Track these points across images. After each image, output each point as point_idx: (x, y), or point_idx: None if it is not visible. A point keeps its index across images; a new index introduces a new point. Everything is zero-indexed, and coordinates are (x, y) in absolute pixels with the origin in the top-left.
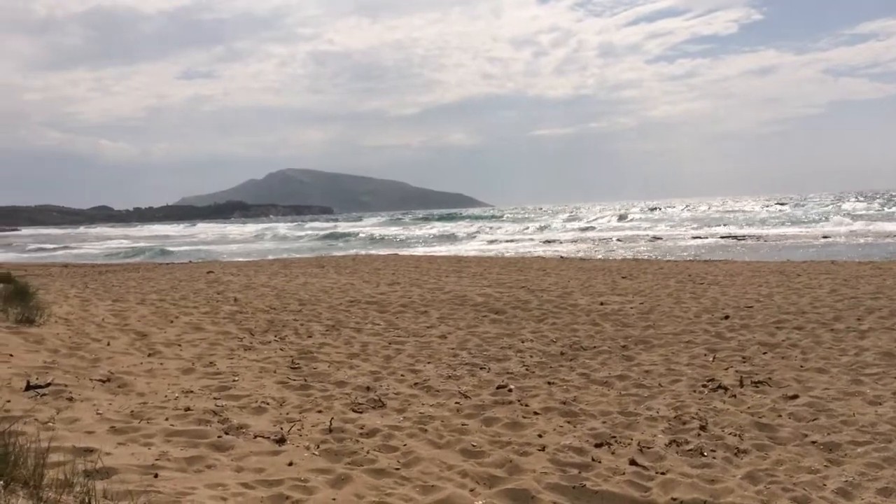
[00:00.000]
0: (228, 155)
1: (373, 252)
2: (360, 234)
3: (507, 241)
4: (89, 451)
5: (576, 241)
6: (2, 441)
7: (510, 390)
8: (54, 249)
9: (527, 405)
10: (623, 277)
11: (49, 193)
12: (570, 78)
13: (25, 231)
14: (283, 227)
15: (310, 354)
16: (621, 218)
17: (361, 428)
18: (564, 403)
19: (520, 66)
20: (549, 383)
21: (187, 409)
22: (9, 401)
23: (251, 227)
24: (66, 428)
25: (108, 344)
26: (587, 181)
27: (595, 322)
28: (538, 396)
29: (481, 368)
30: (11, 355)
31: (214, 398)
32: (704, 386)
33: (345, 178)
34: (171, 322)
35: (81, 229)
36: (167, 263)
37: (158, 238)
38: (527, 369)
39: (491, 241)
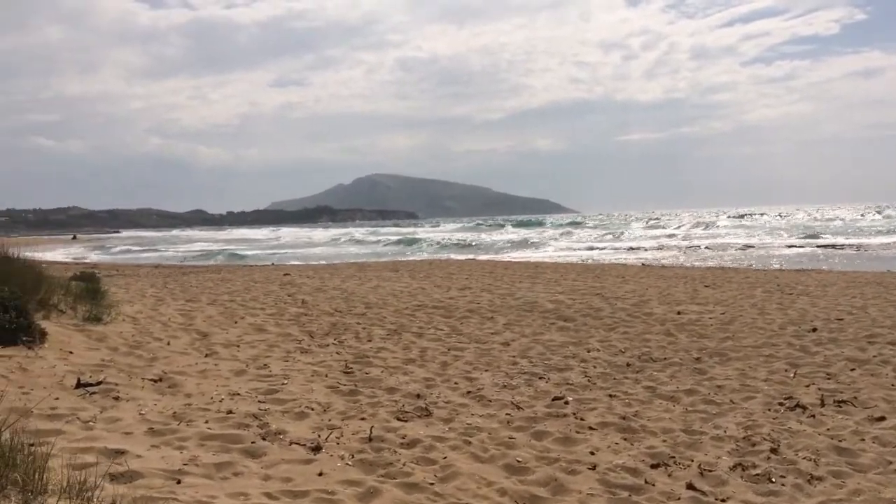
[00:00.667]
0: (317, 160)
1: (452, 256)
2: (439, 239)
3: (587, 248)
4: (120, 453)
5: (661, 248)
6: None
7: (567, 402)
8: (140, 251)
9: (582, 419)
10: (706, 286)
11: (150, 197)
12: (661, 81)
13: (125, 233)
14: (360, 232)
15: (365, 359)
16: (710, 225)
17: (403, 438)
18: (624, 418)
19: (608, 69)
20: (610, 396)
21: (229, 411)
22: (57, 398)
23: (332, 232)
24: (105, 428)
25: (168, 343)
26: (678, 187)
27: (669, 332)
28: (596, 410)
29: (540, 378)
30: (71, 352)
31: (259, 401)
32: (781, 404)
33: (430, 182)
34: (236, 323)
35: (174, 232)
36: (248, 266)
37: (241, 241)
38: (588, 380)
39: (571, 247)
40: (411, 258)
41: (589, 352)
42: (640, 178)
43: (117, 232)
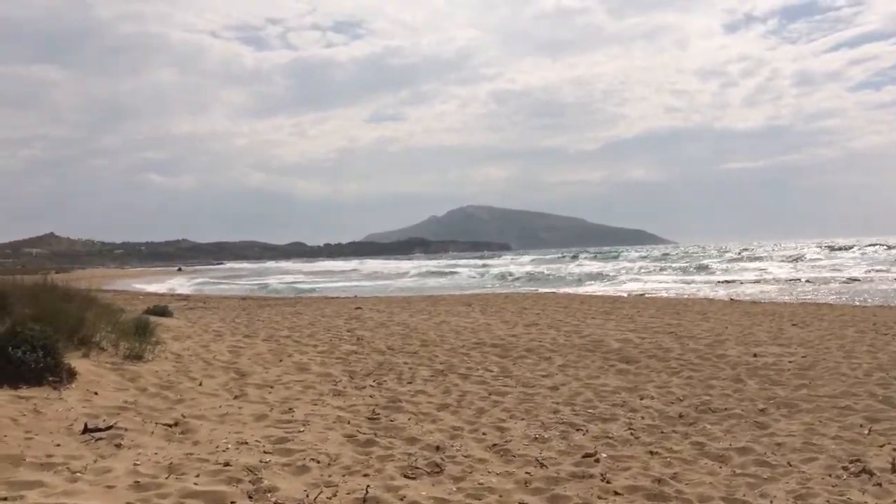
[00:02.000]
0: (412, 193)
1: (536, 289)
2: (526, 271)
3: (677, 281)
4: None
5: (758, 282)
6: None
7: (597, 460)
8: (216, 283)
9: (609, 482)
10: (793, 324)
11: (253, 230)
12: (763, 109)
13: (228, 265)
14: (446, 264)
15: (397, 403)
16: (811, 257)
17: (401, 500)
18: (658, 482)
19: (706, 97)
20: (650, 453)
21: (226, 464)
22: (59, 444)
23: (419, 263)
24: (90, 480)
25: (201, 384)
26: (780, 217)
27: (738, 378)
28: (629, 470)
29: (578, 429)
30: (96, 393)
31: (265, 451)
32: (845, 468)
33: (523, 214)
34: (281, 361)
35: (268, 264)
36: (326, 298)
37: (328, 273)
38: (631, 433)
39: (659, 280)
40: (491, 291)
41: (642, 399)
42: (740, 207)
43: (221, 263)
